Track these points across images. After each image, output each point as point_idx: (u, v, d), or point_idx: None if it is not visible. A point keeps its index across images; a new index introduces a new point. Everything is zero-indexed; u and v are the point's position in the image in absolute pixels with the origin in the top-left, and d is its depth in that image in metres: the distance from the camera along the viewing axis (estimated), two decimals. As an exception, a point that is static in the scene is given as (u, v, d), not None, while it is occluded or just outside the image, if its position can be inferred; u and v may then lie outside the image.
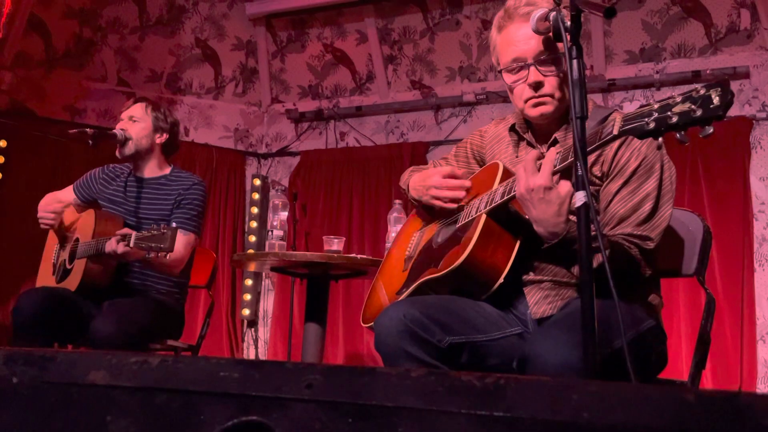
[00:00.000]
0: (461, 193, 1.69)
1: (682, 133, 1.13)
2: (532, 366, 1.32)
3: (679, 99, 1.14)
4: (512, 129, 1.71)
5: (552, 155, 1.38)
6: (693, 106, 1.12)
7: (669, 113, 1.14)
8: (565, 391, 0.54)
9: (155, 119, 2.66)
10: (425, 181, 1.76)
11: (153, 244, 2.17)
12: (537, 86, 1.55)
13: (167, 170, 2.69)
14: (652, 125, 1.17)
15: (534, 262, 1.57)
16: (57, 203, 2.68)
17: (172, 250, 2.16)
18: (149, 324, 2.38)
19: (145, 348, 2.38)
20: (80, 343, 2.59)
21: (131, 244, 2.23)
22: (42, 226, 2.68)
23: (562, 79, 1.55)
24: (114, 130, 2.59)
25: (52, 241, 2.79)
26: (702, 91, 1.12)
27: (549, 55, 1.53)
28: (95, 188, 2.71)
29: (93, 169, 2.78)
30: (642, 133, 1.19)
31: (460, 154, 1.87)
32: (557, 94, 1.56)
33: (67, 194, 2.78)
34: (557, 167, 1.38)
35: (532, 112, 1.59)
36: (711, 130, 1.10)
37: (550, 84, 1.55)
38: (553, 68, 1.54)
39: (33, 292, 2.36)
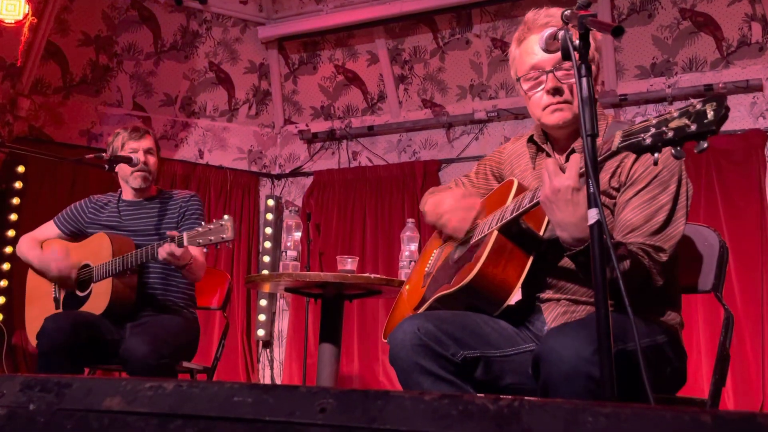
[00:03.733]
0: (471, 215, 1.68)
1: (678, 148, 1.12)
2: (546, 362, 1.31)
3: (676, 114, 1.14)
4: (530, 140, 1.71)
5: (577, 158, 1.34)
6: (687, 121, 1.11)
7: (664, 129, 1.14)
8: (580, 414, 0.54)
9: (158, 149, 2.74)
10: (438, 207, 1.75)
11: (212, 237, 2.21)
12: (555, 92, 1.56)
13: (154, 190, 2.75)
14: (648, 141, 1.16)
15: (551, 280, 1.56)
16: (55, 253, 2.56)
17: (234, 237, 2.21)
18: (179, 343, 2.42)
19: (173, 368, 2.39)
20: (97, 367, 2.61)
21: (186, 243, 2.26)
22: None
23: None
24: (129, 155, 2.61)
25: (36, 281, 2.71)
26: (698, 106, 1.11)
27: (567, 64, 1.52)
28: (84, 219, 2.72)
29: (76, 202, 2.79)
30: (639, 149, 1.19)
31: (480, 172, 1.88)
32: (575, 102, 1.56)
33: (49, 230, 2.76)
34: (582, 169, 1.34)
35: (551, 120, 1.58)
36: (705, 145, 1.09)
37: (569, 90, 1.55)
38: (571, 76, 1.54)
39: (58, 317, 2.33)
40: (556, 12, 1.55)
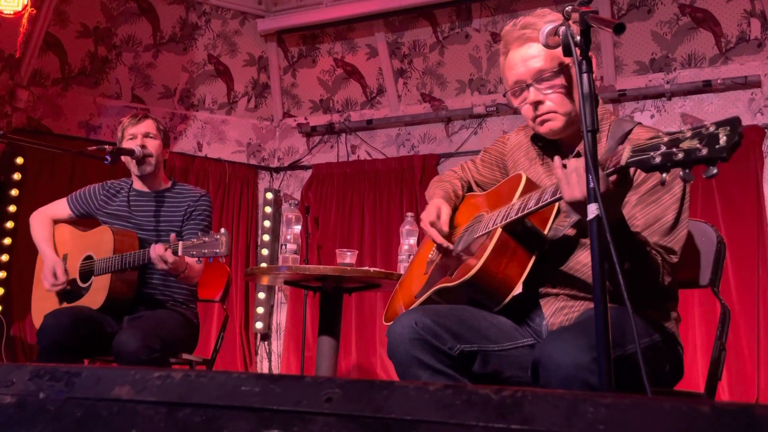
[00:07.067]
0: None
1: (687, 171, 1.10)
2: (544, 368, 1.32)
3: (688, 134, 1.11)
4: (535, 138, 1.71)
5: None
6: (699, 145, 1.08)
7: (675, 149, 1.11)
8: (581, 404, 0.55)
9: (164, 136, 2.70)
10: (427, 213, 1.76)
11: (206, 251, 2.22)
12: (537, 105, 1.58)
13: (169, 183, 2.73)
14: (657, 160, 1.14)
15: (551, 275, 1.57)
16: (58, 267, 2.60)
17: (228, 254, 2.23)
18: (172, 338, 2.41)
19: (166, 362, 2.40)
20: (96, 359, 2.61)
21: (180, 253, 2.27)
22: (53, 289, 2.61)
23: (565, 93, 1.56)
24: (132, 147, 2.60)
25: (42, 265, 2.72)
26: (711, 129, 1.08)
27: (547, 73, 1.55)
28: (95, 204, 2.71)
29: (90, 185, 2.77)
30: (647, 167, 1.16)
31: (485, 159, 1.88)
32: (561, 109, 1.57)
33: (61, 208, 2.76)
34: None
35: (541, 129, 1.61)
36: (715, 171, 1.06)
37: (552, 100, 1.57)
38: (553, 84, 1.56)
39: (58, 314, 2.34)
40: (532, 20, 1.58)
